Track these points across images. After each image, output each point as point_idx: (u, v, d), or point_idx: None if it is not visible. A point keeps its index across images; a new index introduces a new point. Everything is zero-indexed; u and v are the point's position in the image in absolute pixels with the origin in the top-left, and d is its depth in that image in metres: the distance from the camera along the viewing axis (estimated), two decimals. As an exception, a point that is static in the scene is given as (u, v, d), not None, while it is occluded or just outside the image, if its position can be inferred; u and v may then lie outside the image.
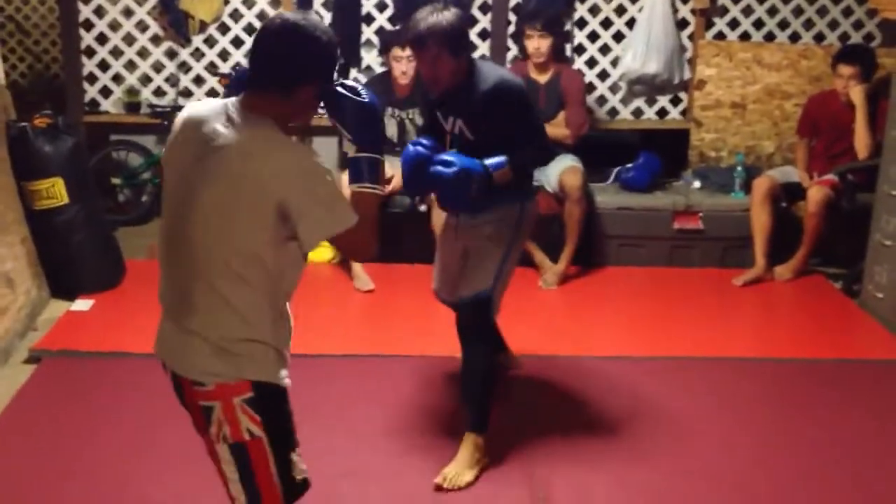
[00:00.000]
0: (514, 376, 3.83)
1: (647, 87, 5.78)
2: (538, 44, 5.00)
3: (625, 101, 5.90)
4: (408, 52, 4.87)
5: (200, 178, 2.01)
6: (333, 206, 2.02)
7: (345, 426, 3.42)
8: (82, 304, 4.46)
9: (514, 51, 5.68)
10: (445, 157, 3.02)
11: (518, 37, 5.63)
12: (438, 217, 4.76)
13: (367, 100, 2.13)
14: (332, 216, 2.02)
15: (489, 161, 3.03)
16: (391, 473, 3.15)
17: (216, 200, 1.98)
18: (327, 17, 5.64)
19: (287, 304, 2.16)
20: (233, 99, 2.08)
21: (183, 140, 2.09)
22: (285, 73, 2.03)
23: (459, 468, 3.10)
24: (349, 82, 2.15)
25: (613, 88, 5.87)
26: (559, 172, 4.92)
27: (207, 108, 2.10)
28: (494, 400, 3.30)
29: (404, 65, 4.90)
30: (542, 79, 5.08)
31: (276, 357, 2.10)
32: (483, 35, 5.70)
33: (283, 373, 2.12)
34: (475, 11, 5.66)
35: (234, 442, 2.07)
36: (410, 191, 3.11)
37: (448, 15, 3.03)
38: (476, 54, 5.72)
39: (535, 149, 3.18)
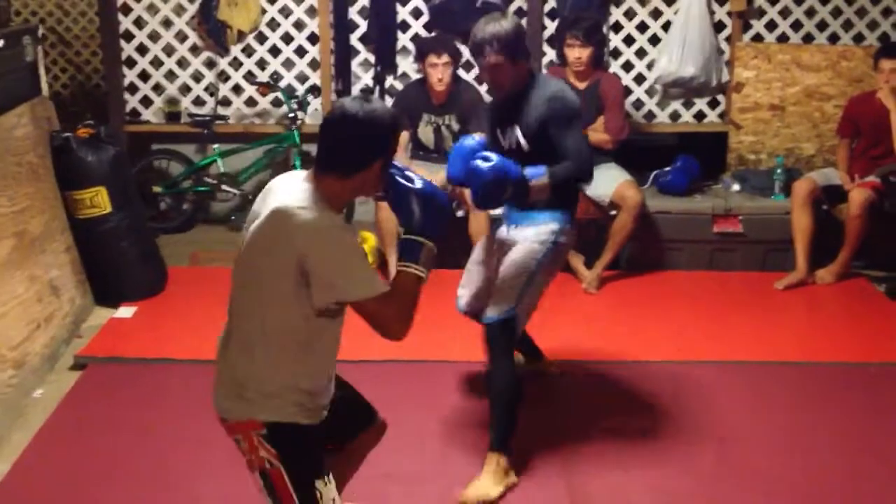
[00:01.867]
0: (555, 380, 3.82)
1: (684, 89, 5.75)
2: (579, 53, 4.98)
3: (662, 105, 5.88)
4: (444, 58, 4.89)
5: (250, 234, 2.20)
6: (351, 272, 2.14)
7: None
8: (126, 312, 4.51)
9: (549, 55, 5.68)
10: (487, 153, 3.07)
11: (553, 41, 5.63)
12: (478, 225, 4.78)
13: (419, 187, 2.26)
14: (348, 282, 2.13)
15: (529, 170, 3.07)
16: (433, 475, 3.15)
17: (253, 256, 2.18)
18: (363, 25, 5.68)
19: (320, 360, 2.25)
20: (307, 173, 2.24)
21: (260, 203, 2.26)
22: (346, 161, 2.18)
23: (483, 487, 3.07)
24: (403, 167, 2.29)
25: (650, 92, 5.84)
26: (614, 184, 4.90)
27: (288, 179, 2.28)
28: (524, 410, 3.28)
29: (440, 71, 4.92)
30: (581, 85, 5.07)
31: (296, 401, 2.22)
32: (519, 40, 5.71)
33: (306, 415, 2.23)
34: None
35: (258, 469, 2.24)
36: (453, 179, 3.23)
37: (506, 24, 3.15)
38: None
39: (577, 166, 3.18)
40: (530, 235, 3.22)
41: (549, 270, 3.28)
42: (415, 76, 5.60)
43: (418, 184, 2.26)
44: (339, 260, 2.13)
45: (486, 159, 3.02)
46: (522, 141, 3.22)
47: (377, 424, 2.61)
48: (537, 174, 3.08)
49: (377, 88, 5.77)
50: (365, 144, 2.17)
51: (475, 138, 3.29)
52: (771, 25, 5.75)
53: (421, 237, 2.25)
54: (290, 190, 2.18)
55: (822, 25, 5.76)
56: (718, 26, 5.70)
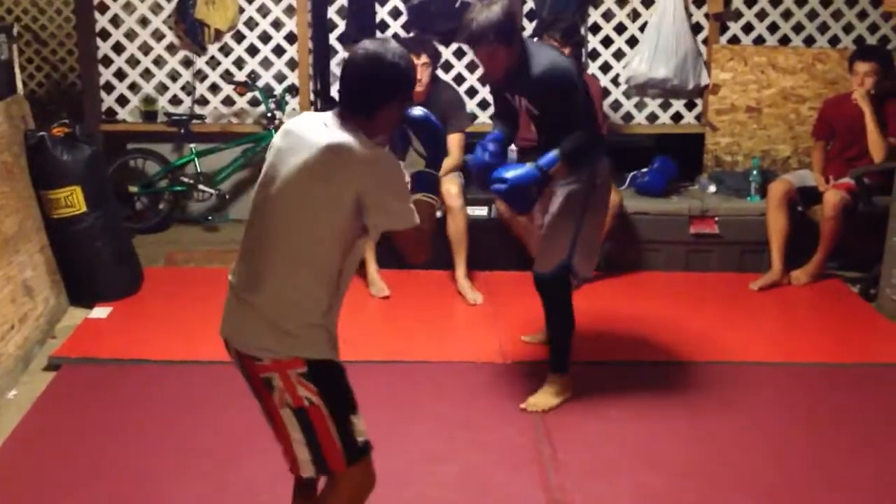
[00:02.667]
0: (529, 380, 3.83)
1: (660, 91, 5.78)
2: None
3: (639, 106, 5.90)
4: (423, 59, 4.88)
5: (294, 171, 2.25)
6: (404, 203, 2.29)
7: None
8: (100, 312, 4.48)
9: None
10: (502, 173, 3.32)
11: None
12: (455, 225, 4.82)
13: (439, 126, 2.48)
14: (401, 211, 2.28)
15: (542, 161, 3.30)
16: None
17: (305, 190, 2.23)
18: (342, 25, 5.67)
19: (342, 293, 2.36)
20: (328, 113, 2.34)
21: (285, 145, 2.33)
22: (367, 100, 2.30)
23: (544, 397, 3.57)
24: (420, 109, 2.45)
25: (628, 93, 5.87)
26: None
27: (306, 118, 2.38)
28: (499, 408, 3.60)
29: (419, 72, 4.90)
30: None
31: (328, 338, 2.30)
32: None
33: (334, 352, 2.32)
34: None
35: (296, 407, 2.26)
36: (483, 187, 3.59)
37: (496, 9, 3.21)
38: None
39: (585, 133, 3.36)
40: (563, 192, 3.44)
41: (595, 211, 3.52)
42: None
43: (437, 123, 2.48)
44: (394, 189, 2.28)
45: (501, 181, 3.30)
46: (532, 108, 3.40)
47: None
48: (551, 162, 3.30)
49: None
50: (386, 84, 2.30)
51: (489, 148, 3.46)
52: (748, 28, 5.79)
53: (435, 170, 2.47)
54: (329, 127, 2.28)
55: (798, 28, 5.81)
56: (695, 28, 5.73)
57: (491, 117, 4.11)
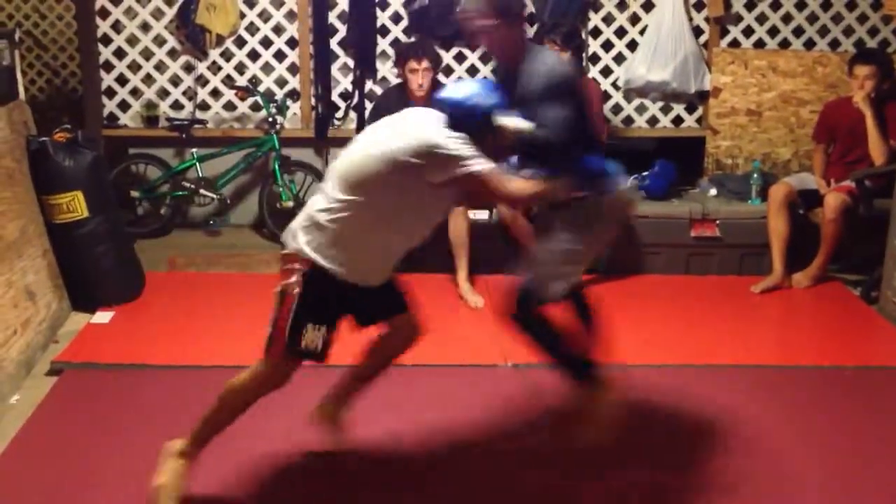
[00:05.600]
0: (528, 383, 3.83)
1: (660, 94, 5.79)
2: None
3: (640, 110, 5.91)
4: (424, 64, 4.89)
5: (380, 127, 2.81)
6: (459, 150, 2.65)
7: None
8: (102, 317, 4.49)
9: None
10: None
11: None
12: (456, 227, 4.81)
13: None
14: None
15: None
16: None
17: (378, 138, 2.73)
18: (343, 30, 5.68)
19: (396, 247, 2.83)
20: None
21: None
22: None
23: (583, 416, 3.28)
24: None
25: (628, 97, 5.88)
26: None
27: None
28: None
29: (420, 77, 4.92)
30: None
31: (341, 263, 2.71)
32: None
33: (343, 269, 2.72)
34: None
35: (279, 289, 2.76)
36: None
37: None
38: (494, 64, 5.75)
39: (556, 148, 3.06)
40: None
41: (588, 239, 3.25)
42: (394, 81, 5.60)
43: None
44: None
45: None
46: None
47: (407, 318, 3.03)
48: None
49: (356, 93, 5.77)
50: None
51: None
52: (748, 31, 5.80)
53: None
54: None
55: (798, 31, 5.82)
56: (695, 31, 5.74)
57: None
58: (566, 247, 3.22)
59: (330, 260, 2.72)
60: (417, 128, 2.72)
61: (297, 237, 2.77)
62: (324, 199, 2.76)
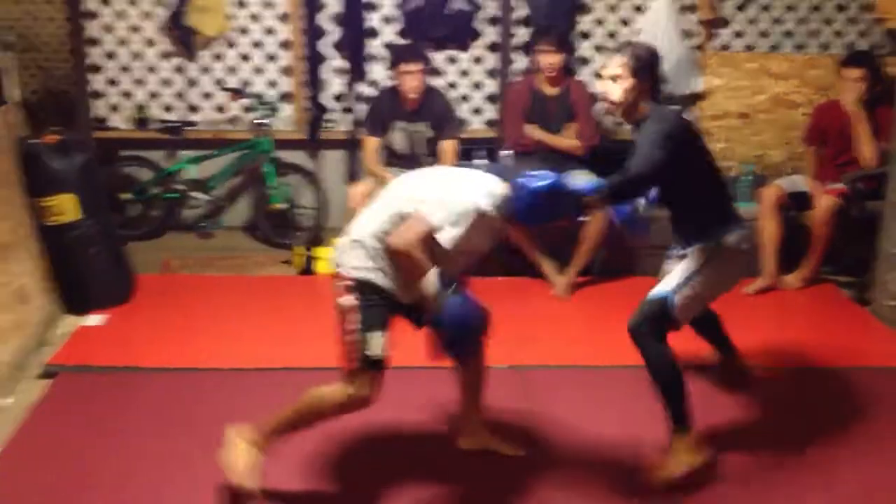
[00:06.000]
0: (525, 385, 3.83)
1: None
2: (552, 59, 5.03)
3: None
4: (417, 66, 4.90)
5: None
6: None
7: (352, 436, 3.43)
8: (95, 319, 4.47)
9: (518, 63, 5.71)
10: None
11: (524, 49, 5.66)
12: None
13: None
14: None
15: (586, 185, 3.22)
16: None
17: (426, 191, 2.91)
18: (335, 32, 5.68)
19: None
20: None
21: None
22: None
23: (666, 467, 3.15)
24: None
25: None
26: None
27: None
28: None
29: (413, 79, 4.93)
30: (552, 91, 5.10)
31: (383, 277, 2.84)
32: (493, 48, 5.75)
33: (387, 283, 2.85)
34: (483, 25, 5.70)
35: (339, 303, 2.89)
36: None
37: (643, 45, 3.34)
38: (486, 66, 5.76)
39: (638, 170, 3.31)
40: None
41: (715, 272, 3.32)
42: (386, 83, 5.60)
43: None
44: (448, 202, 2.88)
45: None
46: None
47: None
48: (593, 189, 3.30)
49: (350, 95, 5.76)
50: None
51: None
52: (739, 34, 5.82)
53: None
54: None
55: (789, 34, 5.84)
56: (688, 35, 5.75)
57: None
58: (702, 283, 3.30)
59: (380, 278, 2.86)
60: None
61: (347, 257, 2.89)
62: (378, 223, 2.87)
